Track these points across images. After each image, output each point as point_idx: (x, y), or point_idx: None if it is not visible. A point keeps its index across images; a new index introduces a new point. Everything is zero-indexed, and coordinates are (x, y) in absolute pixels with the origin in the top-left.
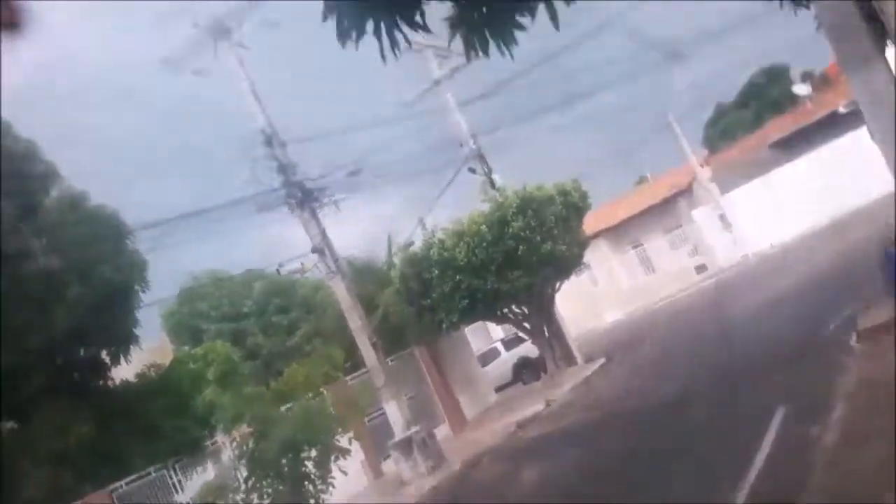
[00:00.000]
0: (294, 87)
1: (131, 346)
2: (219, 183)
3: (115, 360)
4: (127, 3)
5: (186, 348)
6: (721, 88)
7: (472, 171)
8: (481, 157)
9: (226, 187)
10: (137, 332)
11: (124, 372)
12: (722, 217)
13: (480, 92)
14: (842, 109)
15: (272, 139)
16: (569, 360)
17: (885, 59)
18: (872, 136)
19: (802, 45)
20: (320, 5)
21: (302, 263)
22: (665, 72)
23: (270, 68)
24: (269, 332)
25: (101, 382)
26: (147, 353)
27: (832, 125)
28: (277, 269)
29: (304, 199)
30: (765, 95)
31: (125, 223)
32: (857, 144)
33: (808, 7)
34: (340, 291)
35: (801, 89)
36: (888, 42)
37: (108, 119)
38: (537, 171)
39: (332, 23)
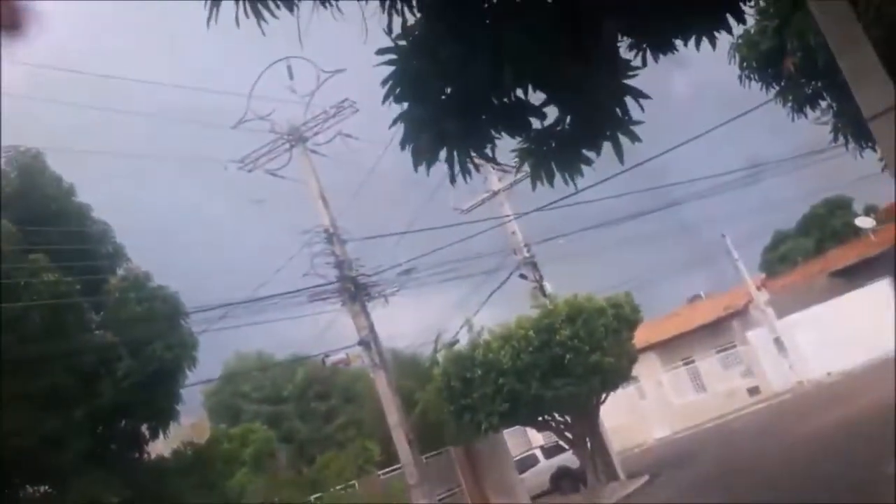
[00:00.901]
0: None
1: (171, 422)
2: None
3: (154, 435)
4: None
5: (224, 426)
6: (780, 216)
7: (524, 277)
8: (533, 265)
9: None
10: (179, 408)
11: (161, 447)
12: (777, 341)
13: (537, 204)
14: None
15: (333, 237)
16: (611, 474)
17: None
18: None
19: (867, 180)
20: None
21: (347, 354)
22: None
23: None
24: (306, 418)
25: (136, 455)
26: (187, 429)
27: (894, 259)
28: (323, 359)
29: (357, 292)
30: (826, 225)
31: (182, 304)
32: None
33: (874, 149)
34: (382, 384)
35: (863, 222)
36: None
37: (181, 202)
38: (590, 282)
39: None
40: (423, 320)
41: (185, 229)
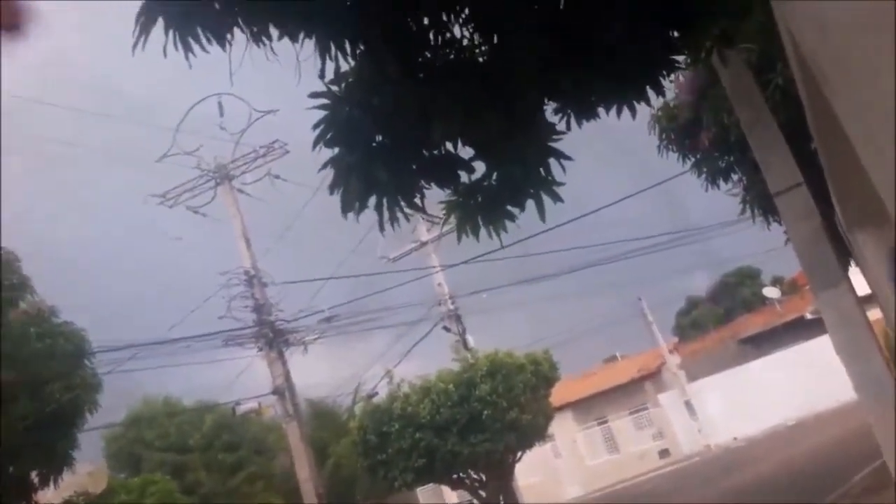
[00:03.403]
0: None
1: (65, 469)
2: (192, 312)
3: (45, 483)
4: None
5: (124, 476)
6: (693, 283)
7: (447, 329)
8: (457, 317)
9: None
10: (75, 454)
11: (52, 496)
12: (688, 404)
13: (464, 257)
14: (808, 315)
15: (253, 279)
16: None
17: (849, 281)
18: (837, 352)
19: (774, 252)
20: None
21: (259, 403)
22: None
23: (265, 212)
24: (212, 469)
25: None
26: (83, 477)
27: (800, 328)
28: (233, 408)
29: (274, 338)
30: (736, 294)
31: (88, 342)
32: (823, 350)
33: (779, 222)
34: (294, 436)
35: (770, 292)
36: (851, 261)
37: (91, 237)
38: (511, 338)
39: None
40: (343, 370)
41: (100, 264)
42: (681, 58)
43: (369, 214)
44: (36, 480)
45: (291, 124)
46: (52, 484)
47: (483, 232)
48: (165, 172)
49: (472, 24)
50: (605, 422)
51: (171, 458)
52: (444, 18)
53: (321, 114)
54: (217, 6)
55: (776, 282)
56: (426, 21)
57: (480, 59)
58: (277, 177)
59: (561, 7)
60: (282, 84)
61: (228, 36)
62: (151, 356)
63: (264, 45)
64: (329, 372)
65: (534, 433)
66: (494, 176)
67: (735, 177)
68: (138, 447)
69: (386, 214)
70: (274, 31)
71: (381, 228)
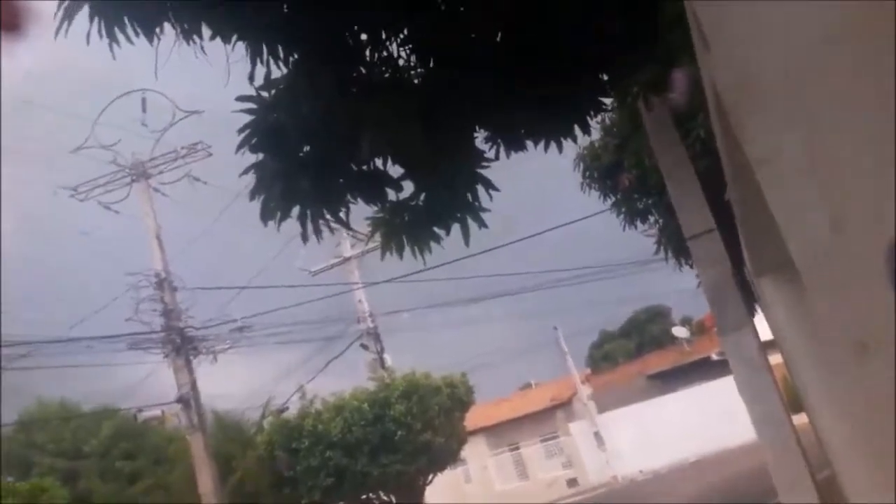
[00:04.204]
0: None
1: None
2: (97, 312)
3: None
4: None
5: (11, 480)
6: (606, 317)
7: (365, 347)
8: (376, 336)
9: (103, 319)
10: None
11: None
12: (597, 435)
13: (387, 275)
14: (715, 356)
15: (164, 282)
16: None
17: (754, 325)
18: (740, 392)
19: (684, 293)
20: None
21: (163, 411)
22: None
23: (181, 214)
24: (108, 478)
25: None
26: None
27: (706, 368)
28: (135, 415)
29: (182, 345)
30: (646, 330)
31: None
32: (727, 390)
33: (691, 265)
34: (198, 447)
35: (679, 331)
36: (757, 308)
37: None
38: (429, 359)
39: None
40: (253, 382)
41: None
42: (608, 100)
43: (292, 225)
44: None
45: (217, 125)
46: None
47: (407, 251)
48: (79, 165)
49: (410, 46)
50: (517, 448)
51: (63, 464)
52: (383, 37)
53: (247, 118)
54: None
55: (685, 322)
56: (364, 37)
57: (415, 81)
58: (197, 179)
59: (497, 40)
60: (210, 84)
61: (158, 30)
62: (49, 355)
63: (194, 42)
64: (238, 384)
65: (446, 456)
66: (422, 196)
67: (651, 218)
68: (29, 451)
69: (309, 226)
70: (206, 31)
71: (304, 239)
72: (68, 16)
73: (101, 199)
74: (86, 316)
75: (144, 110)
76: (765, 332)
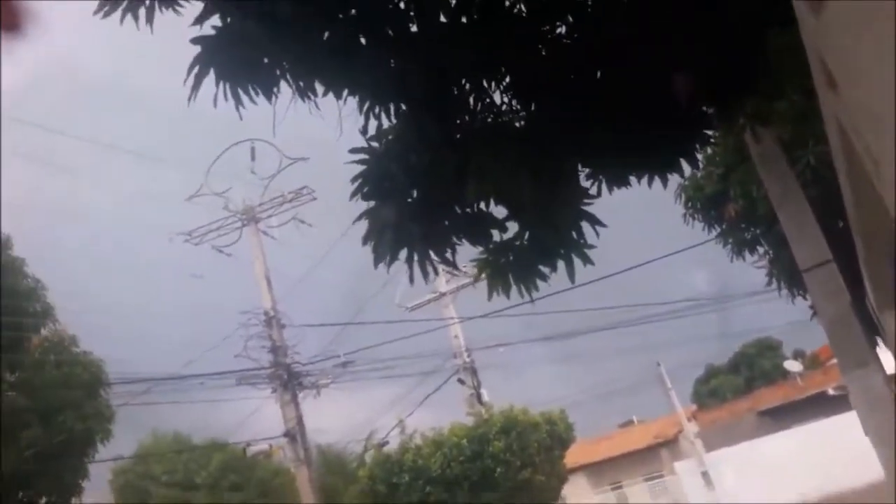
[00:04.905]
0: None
1: (73, 499)
2: (210, 350)
3: None
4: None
5: None
6: (713, 350)
7: (462, 382)
8: (473, 371)
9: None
10: (84, 484)
11: None
12: (705, 474)
13: (481, 310)
14: (831, 391)
15: (272, 320)
16: None
17: (879, 361)
18: (866, 433)
19: (796, 325)
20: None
21: (270, 445)
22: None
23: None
24: None
25: None
26: None
27: (821, 404)
28: (244, 448)
29: (289, 380)
30: (756, 365)
31: (105, 373)
32: (847, 427)
33: (804, 297)
34: (303, 481)
35: (792, 365)
36: (879, 341)
37: (118, 282)
38: (527, 395)
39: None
40: (355, 417)
41: (125, 297)
42: (713, 132)
43: (394, 264)
44: None
45: (320, 172)
46: None
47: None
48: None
49: (511, 91)
50: (620, 487)
51: (176, 495)
52: (485, 84)
53: (356, 168)
54: (266, 60)
55: (797, 355)
56: (467, 86)
57: (517, 125)
58: (303, 222)
59: (598, 77)
60: (311, 133)
61: (275, 88)
62: (165, 391)
63: (309, 99)
64: (340, 418)
65: (546, 494)
66: (526, 235)
67: (761, 249)
68: (146, 482)
69: (417, 268)
70: (319, 87)
71: (412, 280)
72: (198, 82)
73: (214, 242)
74: (200, 354)
75: (254, 158)
76: (889, 365)
